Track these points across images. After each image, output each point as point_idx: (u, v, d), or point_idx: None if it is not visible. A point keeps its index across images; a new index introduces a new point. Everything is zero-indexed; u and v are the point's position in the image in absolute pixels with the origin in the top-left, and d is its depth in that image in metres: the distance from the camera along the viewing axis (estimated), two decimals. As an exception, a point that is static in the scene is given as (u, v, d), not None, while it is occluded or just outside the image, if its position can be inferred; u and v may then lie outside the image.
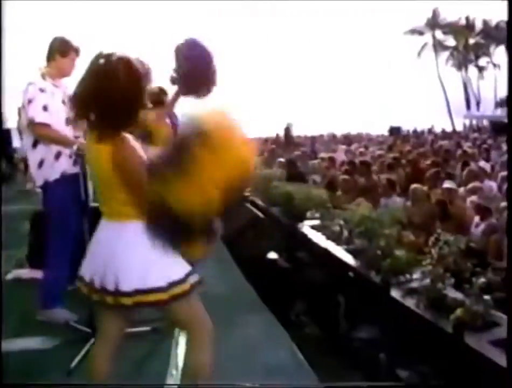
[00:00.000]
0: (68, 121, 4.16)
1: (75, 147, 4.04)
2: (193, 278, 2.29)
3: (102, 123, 2.18)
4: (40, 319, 4.11)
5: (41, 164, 4.06)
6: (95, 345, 2.50)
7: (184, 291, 2.24)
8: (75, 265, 4.17)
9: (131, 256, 2.18)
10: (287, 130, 21.30)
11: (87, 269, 2.32)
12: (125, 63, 2.18)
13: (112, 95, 2.13)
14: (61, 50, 4.12)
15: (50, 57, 4.15)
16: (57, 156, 4.07)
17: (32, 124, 3.97)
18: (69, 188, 4.08)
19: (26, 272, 5.00)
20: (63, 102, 4.17)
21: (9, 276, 4.98)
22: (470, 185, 6.93)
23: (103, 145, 2.15)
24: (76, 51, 4.21)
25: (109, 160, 2.13)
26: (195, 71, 3.35)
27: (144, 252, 2.17)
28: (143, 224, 2.17)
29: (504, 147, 12.88)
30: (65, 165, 4.10)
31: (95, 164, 2.28)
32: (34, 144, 4.07)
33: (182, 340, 3.43)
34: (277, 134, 23.05)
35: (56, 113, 4.07)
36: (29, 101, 3.95)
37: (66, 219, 4.08)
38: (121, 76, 2.15)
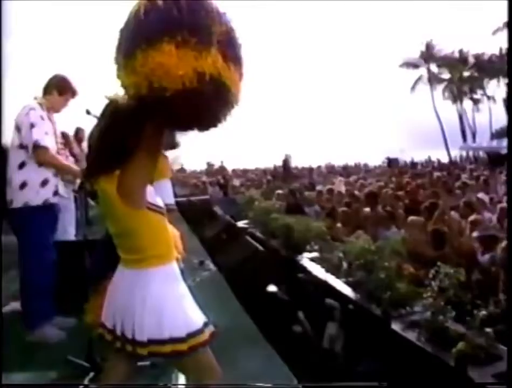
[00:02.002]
0: (58, 153, 4.20)
1: (78, 180, 4.08)
2: (210, 328, 2.25)
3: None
4: (31, 339, 4.12)
5: (23, 185, 4.02)
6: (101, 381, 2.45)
7: (203, 341, 2.18)
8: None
9: (146, 306, 2.12)
10: (285, 161, 21.45)
11: (108, 316, 2.28)
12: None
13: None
14: (59, 88, 4.20)
15: (47, 91, 4.21)
16: (44, 183, 4.07)
17: (37, 147, 3.98)
18: (48, 217, 4.11)
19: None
20: (54, 134, 4.21)
21: (7, 308, 4.92)
22: (472, 217, 6.93)
23: (109, 184, 2.11)
24: (73, 93, 4.28)
25: (114, 192, 2.08)
26: None
27: (161, 301, 2.14)
28: (159, 271, 2.16)
29: (503, 178, 12.96)
30: (49, 194, 4.10)
31: (106, 208, 2.21)
32: (21, 165, 4.04)
33: (181, 376, 3.39)
34: (275, 166, 23.18)
35: (51, 143, 4.11)
36: (33, 125, 3.98)
37: (41, 246, 4.07)
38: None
